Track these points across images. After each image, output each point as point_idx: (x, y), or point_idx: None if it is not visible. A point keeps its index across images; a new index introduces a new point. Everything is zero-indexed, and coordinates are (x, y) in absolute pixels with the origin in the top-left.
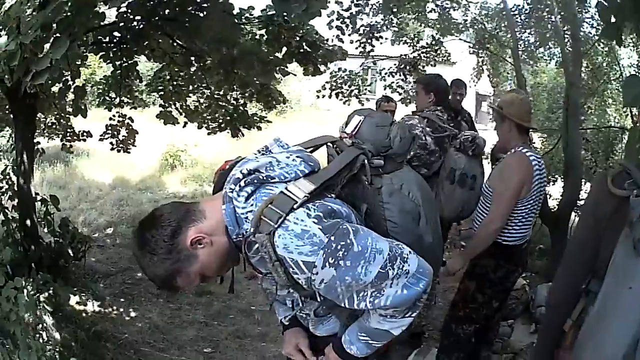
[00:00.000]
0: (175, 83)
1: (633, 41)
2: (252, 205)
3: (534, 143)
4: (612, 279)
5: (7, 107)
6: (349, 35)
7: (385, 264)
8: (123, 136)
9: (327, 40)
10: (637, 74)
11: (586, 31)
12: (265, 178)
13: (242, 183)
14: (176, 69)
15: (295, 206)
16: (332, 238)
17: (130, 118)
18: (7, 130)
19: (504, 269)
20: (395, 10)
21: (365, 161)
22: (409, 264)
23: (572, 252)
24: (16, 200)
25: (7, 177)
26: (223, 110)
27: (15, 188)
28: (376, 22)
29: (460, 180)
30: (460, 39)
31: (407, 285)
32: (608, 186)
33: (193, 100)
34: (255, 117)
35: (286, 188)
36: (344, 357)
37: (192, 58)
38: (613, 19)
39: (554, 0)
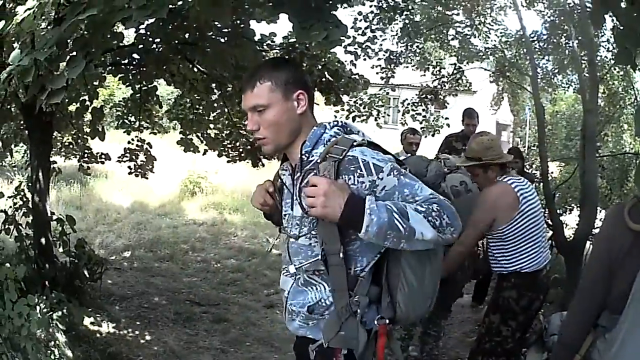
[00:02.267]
0: (195, 111)
1: None
2: (334, 137)
3: (529, 169)
4: (635, 314)
5: (22, 122)
6: (364, 60)
7: (434, 193)
8: (142, 161)
9: (347, 67)
10: None
11: (602, 55)
12: (351, 132)
13: (338, 124)
14: (197, 96)
15: (354, 144)
16: (397, 162)
17: (149, 144)
18: (22, 146)
19: (526, 298)
20: (412, 36)
21: (408, 170)
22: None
23: (584, 289)
24: (30, 218)
25: (22, 193)
26: (244, 139)
27: (30, 205)
28: (399, 51)
29: (453, 193)
30: (481, 67)
31: (449, 207)
32: (625, 220)
33: (214, 129)
34: None
35: (350, 136)
36: (353, 205)
37: (213, 85)
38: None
39: (572, 25)
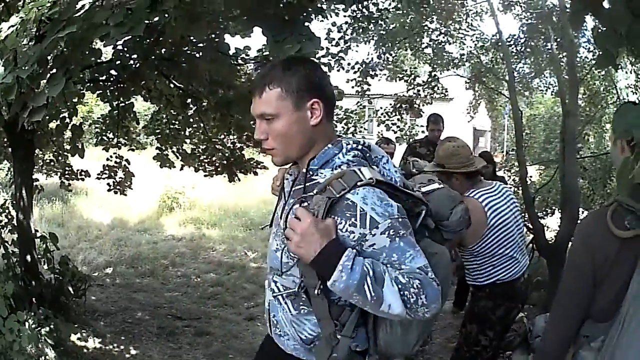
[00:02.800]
0: (172, 127)
1: (630, 61)
2: (346, 165)
3: (501, 174)
4: (635, 321)
5: (6, 140)
6: (337, 71)
7: (427, 266)
8: (120, 178)
9: None
10: (635, 94)
11: (582, 56)
12: (370, 158)
13: (358, 147)
14: (173, 112)
15: (359, 183)
16: (400, 220)
17: (127, 160)
18: (6, 164)
19: (503, 307)
20: (389, 46)
21: (424, 211)
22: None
23: (565, 301)
24: (16, 235)
25: (7, 211)
26: (220, 154)
27: (15, 223)
28: (371, 59)
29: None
30: (456, 74)
31: (432, 287)
32: (609, 228)
33: (190, 144)
34: (251, 162)
35: (359, 169)
36: (327, 255)
37: (189, 100)
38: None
39: (550, 27)
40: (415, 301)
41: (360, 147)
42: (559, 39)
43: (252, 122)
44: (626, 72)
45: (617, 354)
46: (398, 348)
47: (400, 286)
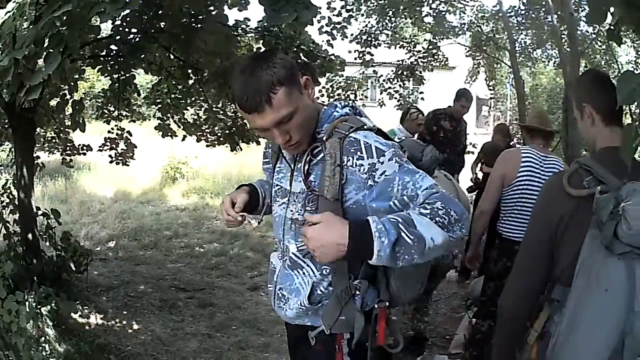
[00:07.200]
0: (173, 96)
1: (630, 38)
2: (344, 116)
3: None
4: (584, 284)
5: (6, 121)
6: (342, 40)
7: (436, 183)
8: (122, 149)
9: (322, 47)
10: (636, 70)
11: (583, 30)
12: (359, 113)
13: (349, 104)
14: (174, 82)
15: (365, 127)
16: (400, 150)
17: (128, 132)
18: (7, 145)
19: (501, 263)
20: (390, 15)
21: (406, 153)
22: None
23: (524, 260)
24: (17, 214)
25: (8, 191)
26: (222, 124)
27: (16, 202)
28: (372, 26)
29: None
30: (458, 43)
31: (452, 200)
32: (564, 188)
33: (191, 114)
34: (253, 131)
35: (360, 119)
36: (358, 232)
37: (189, 71)
38: (604, 11)
39: (550, 0)
40: (449, 221)
41: (350, 104)
42: (559, 12)
43: None
44: (627, 47)
45: (565, 317)
46: (408, 289)
47: (429, 216)
